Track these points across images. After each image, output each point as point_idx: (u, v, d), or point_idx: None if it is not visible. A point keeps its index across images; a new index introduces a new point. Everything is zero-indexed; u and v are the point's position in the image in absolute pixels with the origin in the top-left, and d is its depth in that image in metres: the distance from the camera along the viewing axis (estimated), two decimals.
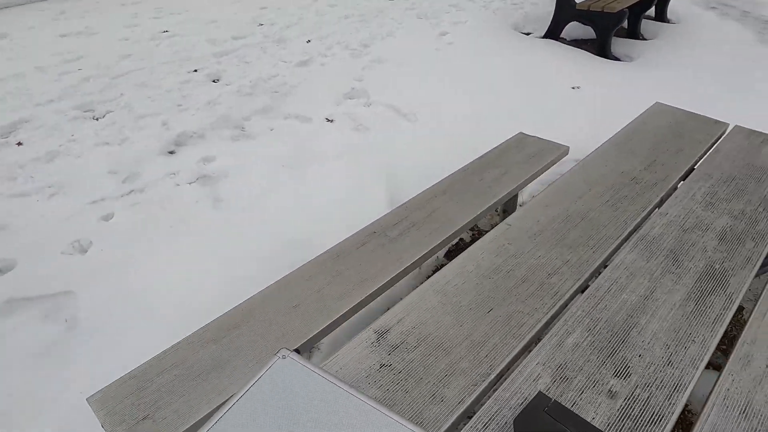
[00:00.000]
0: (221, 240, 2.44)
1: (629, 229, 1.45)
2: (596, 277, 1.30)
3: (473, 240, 2.56)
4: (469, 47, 4.56)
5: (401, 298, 1.31)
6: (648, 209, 1.53)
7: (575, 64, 4.35)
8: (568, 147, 2.31)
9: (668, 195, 1.62)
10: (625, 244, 1.40)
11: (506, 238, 1.41)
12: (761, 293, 1.25)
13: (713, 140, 1.88)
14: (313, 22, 5.08)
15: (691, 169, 1.75)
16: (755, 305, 1.22)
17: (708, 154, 1.81)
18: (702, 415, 0.99)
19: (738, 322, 1.59)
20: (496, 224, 2.56)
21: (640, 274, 1.29)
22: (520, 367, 1.06)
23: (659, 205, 1.56)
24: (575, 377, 1.04)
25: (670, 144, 1.85)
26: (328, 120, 3.57)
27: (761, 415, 0.98)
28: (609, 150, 1.81)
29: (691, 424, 1.10)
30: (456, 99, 3.74)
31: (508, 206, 2.31)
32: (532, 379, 1.04)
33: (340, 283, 1.38)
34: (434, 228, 1.64)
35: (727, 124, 1.98)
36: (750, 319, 1.18)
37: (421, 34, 4.84)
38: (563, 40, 4.95)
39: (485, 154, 2.16)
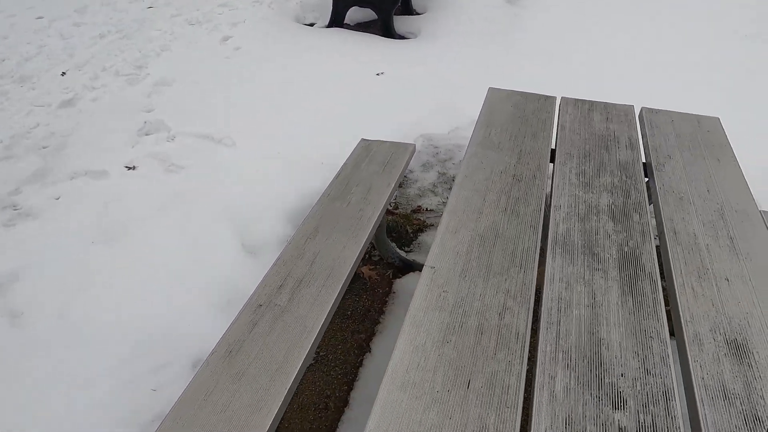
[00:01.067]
0: (31, 368, 1.83)
1: (539, 234, 1.43)
2: (538, 300, 1.25)
3: (353, 278, 2.38)
4: (261, 50, 4.22)
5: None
6: (542, 206, 1.53)
7: (370, 49, 4.35)
8: (414, 144, 2.24)
9: (549, 184, 1.66)
10: (544, 248, 1.38)
11: (438, 285, 1.27)
12: (670, 265, 1.35)
13: (554, 117, 1.99)
14: (61, 48, 4.14)
15: (553, 152, 1.82)
16: (672, 279, 1.30)
17: (555, 131, 1.92)
18: (700, 416, 1.00)
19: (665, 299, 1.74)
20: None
21: (575, 281, 1.27)
22: None
23: (549, 198, 1.58)
24: (585, 429, 0.96)
25: (524, 129, 1.91)
26: (129, 168, 2.96)
27: (739, 394, 1.04)
28: (477, 151, 1.78)
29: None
30: (271, 111, 3.42)
31: (380, 222, 2.17)
32: None
33: (247, 389, 1.09)
34: (325, 278, 1.42)
35: (555, 98, 2.12)
36: (676, 295, 1.25)
37: (201, 44, 4.32)
38: (348, 26, 4.92)
39: (339, 172, 1.97)
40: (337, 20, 4.74)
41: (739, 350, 1.12)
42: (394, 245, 2.50)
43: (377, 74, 4.00)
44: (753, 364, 1.09)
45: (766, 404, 1.01)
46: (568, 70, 4.00)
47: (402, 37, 4.70)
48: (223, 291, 2.18)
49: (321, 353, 2.06)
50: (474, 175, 1.65)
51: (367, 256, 2.54)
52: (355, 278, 2.42)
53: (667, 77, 3.99)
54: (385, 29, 4.63)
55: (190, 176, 2.81)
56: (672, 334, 1.17)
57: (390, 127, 3.32)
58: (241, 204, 2.63)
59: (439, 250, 1.37)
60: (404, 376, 1.06)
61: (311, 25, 4.86)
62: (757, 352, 1.11)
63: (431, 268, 1.31)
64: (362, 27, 4.86)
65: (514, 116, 1.98)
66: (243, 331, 1.26)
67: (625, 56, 4.26)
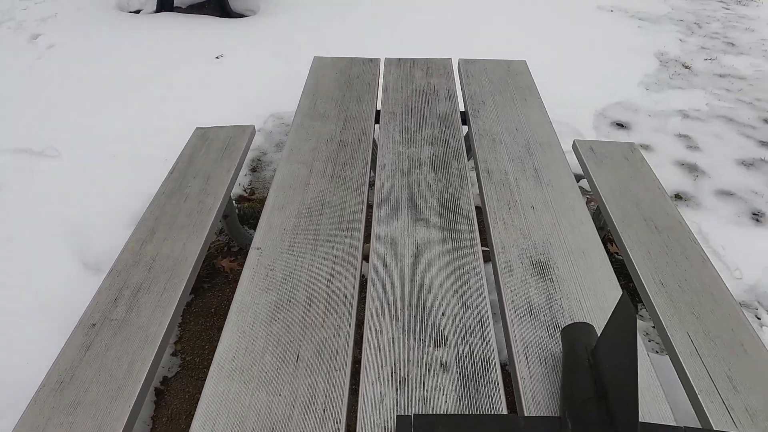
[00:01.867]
0: None
1: (365, 195, 1.45)
2: (365, 259, 1.28)
3: (212, 273, 2.28)
4: (79, 45, 3.79)
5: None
6: (367, 168, 1.56)
7: (206, 32, 4.11)
8: (253, 125, 2.17)
9: (375, 145, 1.69)
10: (370, 211, 1.40)
11: (265, 265, 1.24)
12: (483, 203, 1.44)
13: (378, 79, 2.02)
14: None
15: (378, 113, 1.85)
16: (487, 215, 1.40)
17: (380, 92, 1.95)
18: (510, 335, 1.09)
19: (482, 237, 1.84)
20: (219, 243, 2.29)
21: (399, 235, 1.32)
22: (361, 399, 0.97)
23: (374, 159, 1.61)
24: (410, 373, 1.01)
25: (349, 95, 1.91)
26: None
27: (542, 308, 1.15)
28: (303, 122, 1.76)
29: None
30: (98, 110, 3.11)
31: (228, 211, 2.09)
32: (379, 403, 0.96)
33: (85, 417, 1.00)
34: (166, 281, 1.33)
35: (379, 59, 2.15)
36: (490, 229, 1.35)
37: (4, 44, 3.78)
38: (180, 9, 4.59)
39: (174, 166, 1.85)
40: (165, 4, 4.39)
41: (542, 269, 1.24)
42: (253, 232, 2.42)
43: (216, 58, 3.79)
44: (554, 278, 1.21)
45: (564, 312, 1.13)
46: (400, 35, 4.10)
47: (240, 15, 4.48)
48: (63, 319, 1.97)
49: (187, 358, 1.96)
50: (300, 148, 1.63)
51: (225, 248, 2.44)
52: (216, 273, 2.32)
53: (485, 31, 4.26)
54: (221, 8, 4.39)
55: (7, 200, 2.48)
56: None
57: (237, 111, 3.18)
58: (75, 219, 2.38)
59: (265, 229, 1.33)
60: (231, 364, 1.03)
61: (137, 12, 4.46)
62: (557, 267, 1.24)
63: (257, 249, 1.28)
64: (195, 9, 4.56)
65: (340, 82, 1.98)
66: (75, 357, 1.14)
67: (453, 18, 4.47)
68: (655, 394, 0.94)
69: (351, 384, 1.01)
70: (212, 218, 1.63)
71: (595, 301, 1.14)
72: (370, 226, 1.34)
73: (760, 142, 3.27)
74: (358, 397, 0.97)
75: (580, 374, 0.90)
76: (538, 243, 1.30)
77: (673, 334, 1.43)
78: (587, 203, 2.75)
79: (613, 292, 1.17)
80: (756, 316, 2.15)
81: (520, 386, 0.97)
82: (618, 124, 3.38)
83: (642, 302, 2.21)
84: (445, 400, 0.94)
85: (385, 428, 0.91)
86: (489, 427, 0.84)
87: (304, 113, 1.80)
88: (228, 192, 1.78)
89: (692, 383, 1.33)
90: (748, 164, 3.06)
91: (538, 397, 0.94)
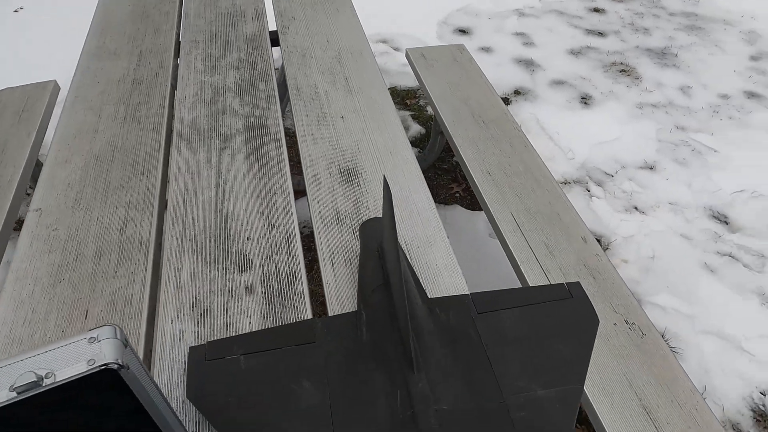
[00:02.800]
0: None
1: (163, 133, 1.33)
2: (165, 198, 1.19)
3: None
4: None
5: None
6: (166, 104, 1.43)
7: None
8: (55, 80, 1.91)
9: (175, 78, 1.54)
10: (168, 146, 1.29)
11: (47, 226, 1.11)
12: (295, 120, 1.38)
13: (178, 6, 1.83)
14: None
15: (178, 43, 1.69)
16: (296, 133, 1.35)
17: (181, 21, 1.77)
18: (317, 242, 1.08)
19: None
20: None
21: (202, 167, 1.23)
22: (159, 339, 0.92)
23: (172, 92, 1.48)
24: (212, 303, 0.97)
25: (144, 28, 1.71)
26: None
27: (349, 213, 1.14)
28: (89, 66, 1.56)
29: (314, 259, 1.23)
30: None
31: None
32: (178, 339, 0.91)
33: None
34: None
35: None
36: (299, 146, 1.30)
37: None
38: None
39: None
40: None
41: (350, 175, 1.23)
42: None
43: (15, 11, 3.26)
44: (361, 182, 1.21)
45: (371, 213, 1.14)
46: None
47: None
48: None
49: None
50: (86, 94, 1.45)
51: None
52: None
53: None
54: None
55: None
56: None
57: (45, 70, 2.79)
58: None
59: (45, 187, 1.19)
60: (7, 338, 0.93)
61: None
62: (365, 171, 1.23)
63: (36, 211, 1.14)
64: None
65: (134, 15, 1.77)
66: None
67: None
68: (453, 271, 0.98)
69: (153, 329, 0.96)
70: (13, 191, 1.43)
71: (401, 195, 1.16)
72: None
73: (587, 30, 3.50)
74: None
75: (371, 266, 0.91)
76: (347, 151, 1.29)
77: (499, 216, 1.52)
78: (424, 108, 2.80)
79: (417, 184, 1.19)
80: (586, 189, 2.36)
81: (326, 291, 0.97)
82: (460, 30, 3.43)
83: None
84: (249, 321, 0.92)
85: (184, 363, 0.87)
86: (288, 334, 0.83)
87: (91, 54, 1.59)
88: (32, 160, 1.57)
89: (514, 255, 1.43)
90: (576, 53, 3.27)
91: (342, 297, 0.94)
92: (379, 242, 0.95)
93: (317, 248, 1.06)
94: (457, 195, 2.26)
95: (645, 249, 2.05)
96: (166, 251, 1.06)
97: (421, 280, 0.97)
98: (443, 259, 0.99)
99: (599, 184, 2.38)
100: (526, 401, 0.72)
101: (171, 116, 1.38)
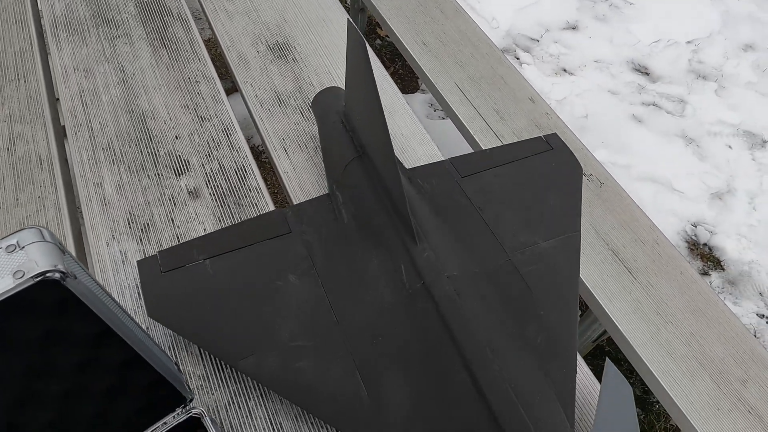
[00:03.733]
0: None
1: (31, 26, 1.05)
2: (56, 105, 0.96)
3: None
4: None
5: None
6: None
7: None
8: None
9: None
10: (43, 42, 1.03)
11: None
12: (202, 3, 1.14)
13: None
14: None
15: None
16: (205, 11, 1.12)
17: None
18: (261, 130, 0.93)
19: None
20: None
21: (96, 63, 1.00)
22: (96, 267, 0.76)
23: None
24: (153, 216, 0.81)
25: None
26: None
27: (292, 93, 0.99)
28: None
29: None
30: None
31: None
32: (122, 263, 0.77)
33: None
34: None
35: None
36: (212, 26, 1.09)
37: None
38: None
39: None
40: None
41: (282, 51, 1.05)
42: None
43: None
44: (297, 57, 1.04)
45: (316, 89, 0.99)
46: None
47: None
48: None
49: None
50: None
51: None
52: None
53: None
54: None
55: None
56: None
57: None
58: None
59: None
60: None
61: None
62: (299, 44, 1.06)
63: None
64: None
65: None
66: None
67: None
68: (421, 138, 0.89)
69: (86, 256, 0.79)
70: None
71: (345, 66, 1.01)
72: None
73: None
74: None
75: (338, 140, 0.78)
76: (271, 24, 1.09)
77: (444, 88, 1.41)
78: None
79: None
80: (515, 56, 2.30)
81: (285, 181, 0.84)
82: None
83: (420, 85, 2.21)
84: (203, 228, 0.78)
85: (137, 285, 0.74)
86: (256, 229, 0.71)
87: None
88: None
89: (467, 126, 1.35)
90: None
91: (306, 185, 0.82)
92: (340, 112, 0.82)
93: (263, 137, 0.92)
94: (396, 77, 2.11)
95: (578, 109, 2.06)
96: (76, 166, 0.86)
97: None
98: (408, 127, 0.89)
99: (527, 50, 2.32)
100: (532, 255, 0.67)
101: (36, 5, 1.09)
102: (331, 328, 0.60)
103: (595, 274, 1.11)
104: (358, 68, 0.68)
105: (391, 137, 0.89)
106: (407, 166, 0.85)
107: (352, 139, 0.74)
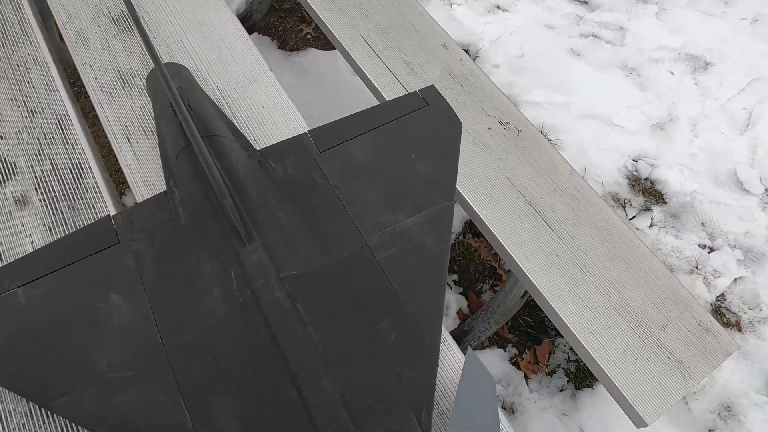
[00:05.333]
0: None
1: None
2: None
3: None
4: None
5: None
6: None
7: None
8: None
9: None
10: None
11: None
12: None
13: None
14: None
15: None
16: None
17: None
18: (101, 116, 0.83)
19: None
20: None
21: None
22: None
23: None
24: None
25: None
26: None
27: (137, 73, 0.88)
28: None
29: None
30: None
31: None
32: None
33: None
34: None
35: None
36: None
37: None
38: None
39: None
40: None
41: (128, 21, 0.93)
42: None
43: None
44: (146, 26, 0.92)
45: (165, 61, 0.88)
46: None
47: None
48: None
49: None
50: None
51: None
52: None
53: None
54: None
55: None
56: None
57: None
58: None
59: None
60: None
61: None
62: (148, 13, 0.94)
63: None
64: None
65: None
66: None
67: None
68: (284, 110, 0.79)
69: None
70: None
71: (201, 31, 0.90)
72: None
73: None
74: None
75: (168, 125, 0.69)
76: None
77: (349, 44, 1.30)
78: None
79: (221, 15, 0.93)
80: None
81: (128, 175, 0.75)
82: None
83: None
84: (30, 242, 0.70)
85: None
86: (79, 243, 0.62)
87: None
88: None
89: (374, 82, 1.25)
90: None
91: (151, 179, 0.74)
92: (171, 96, 0.72)
93: (104, 125, 0.82)
94: (309, 36, 1.97)
95: (513, 48, 1.95)
96: None
97: (244, 129, 0.78)
98: (270, 98, 0.79)
99: None
100: (393, 236, 0.60)
101: None
102: (155, 351, 0.53)
103: (510, 229, 1.06)
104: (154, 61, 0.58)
105: (249, 111, 0.80)
106: (269, 142, 0.76)
107: (181, 126, 0.65)
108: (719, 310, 1.46)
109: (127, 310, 0.55)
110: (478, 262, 1.50)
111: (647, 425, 0.89)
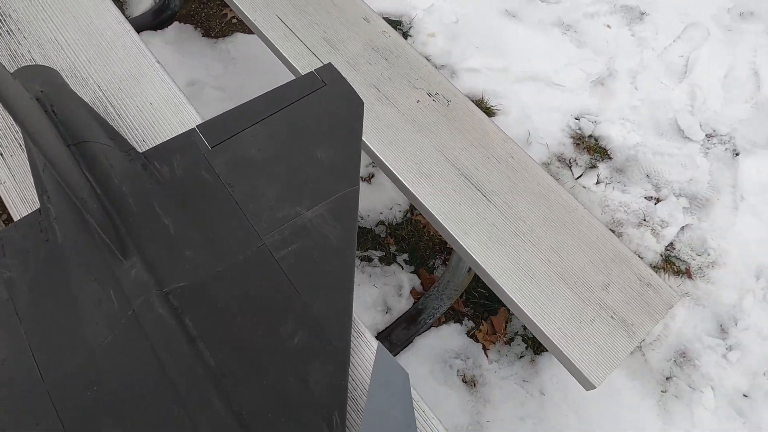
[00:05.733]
0: None
1: None
2: None
3: None
4: None
5: None
6: None
7: None
8: None
9: None
10: None
11: None
12: None
13: None
14: None
15: None
16: None
17: None
18: None
19: None
20: None
21: None
22: None
23: None
24: None
25: None
26: None
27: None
28: None
29: None
30: None
31: None
32: None
33: None
34: None
35: None
36: None
37: None
38: None
39: None
40: None
41: None
42: None
43: None
44: (13, 28, 0.83)
45: (36, 58, 0.80)
46: None
47: None
48: None
49: None
50: None
51: None
52: None
53: None
54: None
55: None
56: None
57: None
58: None
59: None
60: None
61: None
62: (14, 11, 0.85)
63: None
64: None
65: None
66: None
67: None
68: (177, 106, 0.73)
69: None
70: None
71: (77, 27, 0.81)
72: None
73: None
74: None
75: (44, 131, 0.62)
76: None
77: (264, 24, 1.23)
78: None
79: (99, 6, 0.84)
80: None
81: (3, 193, 0.68)
82: None
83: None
84: None
85: None
86: None
87: None
88: None
89: (294, 64, 1.19)
90: None
91: (30, 195, 0.67)
92: (45, 94, 0.65)
93: None
94: (234, 21, 1.87)
95: (447, 15, 1.90)
96: None
97: (133, 130, 0.71)
98: (159, 94, 0.72)
99: None
100: (293, 232, 0.55)
101: None
102: (34, 389, 0.48)
103: (447, 205, 1.02)
104: None
105: (138, 110, 0.73)
106: (157, 142, 0.70)
107: (56, 125, 0.58)
108: (669, 260, 1.47)
109: (0, 346, 0.49)
110: (427, 238, 1.47)
111: (595, 387, 0.88)
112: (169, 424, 0.45)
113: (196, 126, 0.64)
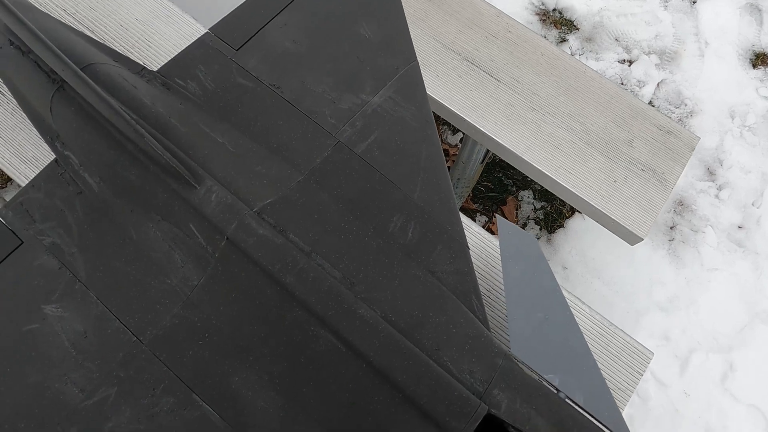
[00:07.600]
0: None
1: None
2: None
3: None
4: None
5: None
6: None
7: None
8: None
9: None
10: None
11: None
12: None
13: None
14: None
15: None
16: None
17: None
18: None
19: None
20: None
21: None
22: None
23: None
24: None
25: None
26: None
27: None
28: None
29: None
30: None
31: None
32: None
33: None
34: None
35: None
36: None
37: None
38: None
39: None
40: None
41: None
42: None
43: None
44: None
45: None
46: None
47: None
48: None
49: None
50: None
51: None
52: None
53: None
54: None
55: None
56: None
57: None
58: None
59: None
60: None
61: None
62: None
63: None
64: None
65: None
66: None
67: None
68: (168, 17, 0.61)
69: None
70: None
71: None
72: None
73: None
74: None
75: (21, 75, 0.50)
76: None
77: None
78: None
79: None
80: None
81: None
82: None
83: None
84: None
85: None
86: None
87: None
88: None
89: None
90: None
91: (27, 151, 0.56)
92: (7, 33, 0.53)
93: None
94: None
95: None
96: None
97: (125, 53, 0.60)
98: (144, 7, 0.60)
99: None
100: (365, 122, 0.49)
101: None
102: (132, 350, 0.41)
103: (456, 93, 0.97)
104: None
105: (123, 28, 0.61)
106: (165, 58, 0.59)
107: (38, 64, 0.47)
108: None
109: (74, 319, 0.42)
110: None
111: (642, 239, 0.90)
112: (315, 350, 0.40)
113: (209, 29, 0.54)
